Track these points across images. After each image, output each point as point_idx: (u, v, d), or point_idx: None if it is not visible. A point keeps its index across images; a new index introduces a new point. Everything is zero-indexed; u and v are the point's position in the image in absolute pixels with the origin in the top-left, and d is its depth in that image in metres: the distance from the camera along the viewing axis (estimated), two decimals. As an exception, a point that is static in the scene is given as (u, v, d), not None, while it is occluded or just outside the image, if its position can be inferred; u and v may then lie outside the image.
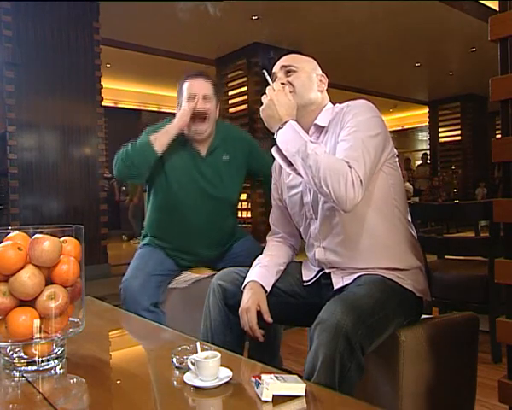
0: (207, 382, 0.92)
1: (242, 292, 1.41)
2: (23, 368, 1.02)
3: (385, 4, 5.43)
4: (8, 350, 1.04)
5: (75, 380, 1.03)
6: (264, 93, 1.38)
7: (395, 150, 1.39)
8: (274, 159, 1.39)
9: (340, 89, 7.90)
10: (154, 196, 1.93)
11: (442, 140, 11.45)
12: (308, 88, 1.43)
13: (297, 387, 0.89)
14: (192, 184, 1.86)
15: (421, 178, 10.42)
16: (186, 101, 1.84)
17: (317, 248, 1.42)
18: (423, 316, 1.40)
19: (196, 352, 0.99)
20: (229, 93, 7.39)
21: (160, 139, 1.77)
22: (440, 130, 11.43)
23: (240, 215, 6.70)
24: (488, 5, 5.78)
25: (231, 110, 7.40)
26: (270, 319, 1.37)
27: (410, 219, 1.43)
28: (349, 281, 1.32)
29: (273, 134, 1.36)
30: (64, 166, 4.84)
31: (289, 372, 0.98)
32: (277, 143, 1.33)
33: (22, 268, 1.00)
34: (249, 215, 6.86)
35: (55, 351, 1.05)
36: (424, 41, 7.02)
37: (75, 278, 1.06)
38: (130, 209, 8.78)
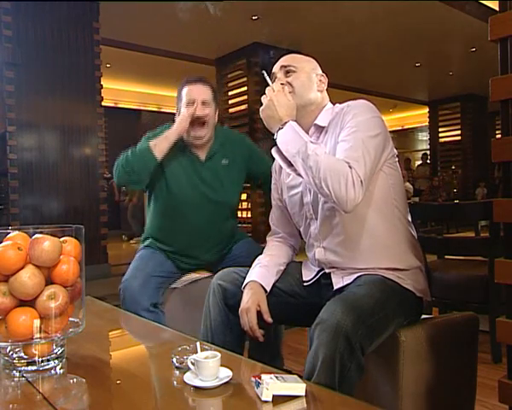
0: (207, 382, 0.92)
1: (242, 292, 1.41)
2: (23, 368, 1.02)
3: (385, 4, 5.43)
4: (8, 350, 1.04)
5: (75, 380, 1.03)
6: (264, 94, 1.38)
7: (395, 150, 1.39)
8: (273, 161, 1.39)
9: (340, 89, 7.90)
10: (155, 201, 1.94)
11: (442, 140, 11.44)
12: (307, 88, 1.43)
13: (297, 387, 0.89)
14: (192, 188, 1.87)
15: (421, 178, 10.42)
16: (185, 106, 1.84)
17: (317, 249, 1.42)
18: (423, 316, 1.40)
19: (196, 352, 0.99)
20: (229, 93, 7.39)
21: (160, 145, 1.78)
22: (440, 130, 11.43)
23: (240, 215, 6.70)
24: (488, 5, 5.78)
25: (231, 110, 7.40)
26: (270, 319, 1.37)
27: (410, 219, 1.43)
28: (349, 281, 1.32)
29: (273, 135, 1.36)
30: (64, 166, 4.84)
31: (289, 372, 0.98)
32: (277, 143, 1.33)
33: (22, 268, 1.00)
34: (249, 215, 6.86)
35: (55, 351, 1.05)
36: (424, 41, 7.02)
37: (75, 278, 1.06)
38: (129, 209, 8.78)
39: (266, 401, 0.86)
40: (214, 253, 1.97)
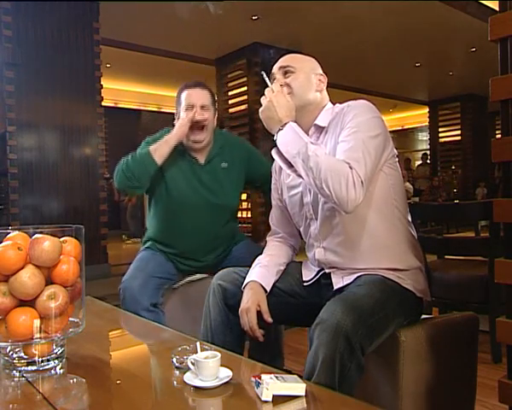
0: (207, 382, 0.92)
1: (242, 292, 1.41)
2: (23, 368, 1.02)
3: (385, 4, 5.43)
4: (8, 350, 1.04)
5: (75, 380, 1.03)
6: (263, 94, 1.38)
7: (395, 150, 1.39)
8: (273, 162, 1.38)
9: (340, 89, 7.90)
10: (155, 205, 1.95)
11: (442, 140, 11.44)
12: (306, 89, 1.42)
13: (297, 387, 0.89)
14: (192, 192, 1.88)
15: (421, 178, 10.42)
16: (184, 111, 1.86)
17: (317, 249, 1.42)
18: (423, 316, 1.40)
19: (196, 352, 0.99)
20: (229, 93, 7.39)
21: (160, 150, 1.79)
22: (440, 130, 11.43)
23: (240, 215, 6.71)
24: (488, 5, 5.78)
25: (231, 110, 7.40)
26: (270, 319, 1.37)
27: (410, 219, 1.43)
28: (349, 281, 1.32)
29: (273, 136, 1.35)
30: (64, 166, 4.84)
31: (289, 372, 0.98)
32: (277, 144, 1.33)
33: (22, 268, 1.00)
34: (249, 215, 6.87)
35: (55, 351, 1.05)
36: (424, 41, 7.02)
37: (75, 278, 1.06)
38: (128, 210, 8.80)
39: (266, 401, 0.86)
40: (214, 255, 1.97)
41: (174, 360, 1.03)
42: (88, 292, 1.16)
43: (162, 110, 10.15)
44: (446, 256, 2.84)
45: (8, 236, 1.04)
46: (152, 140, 1.87)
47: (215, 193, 1.90)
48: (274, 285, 1.45)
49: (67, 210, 4.81)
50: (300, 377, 0.94)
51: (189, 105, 1.85)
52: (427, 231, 3.35)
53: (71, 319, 1.08)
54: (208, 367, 0.93)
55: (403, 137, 14.87)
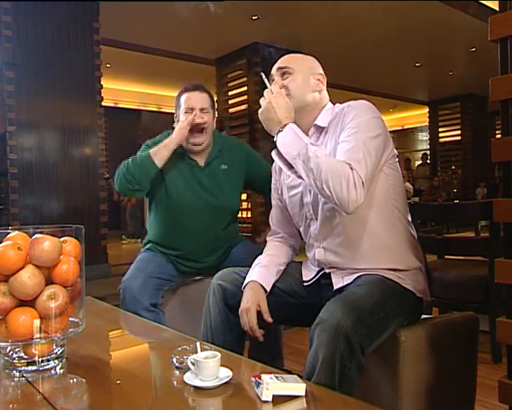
0: (207, 382, 0.92)
1: (242, 292, 1.41)
2: (23, 368, 1.02)
3: (385, 4, 5.43)
4: (8, 350, 1.04)
5: (75, 380, 1.03)
6: (263, 96, 1.38)
7: (395, 151, 1.39)
8: (272, 164, 1.38)
9: (340, 89, 7.90)
10: (155, 207, 1.96)
11: (442, 140, 11.44)
12: (304, 90, 1.41)
13: (297, 387, 0.89)
14: (192, 194, 1.89)
15: (421, 178, 10.42)
16: (184, 114, 1.87)
17: (317, 249, 1.42)
18: (423, 316, 1.40)
19: (196, 352, 0.99)
20: (229, 93, 7.39)
21: (160, 153, 1.81)
22: (440, 130, 11.43)
23: (240, 215, 6.71)
24: (488, 5, 5.78)
25: (231, 110, 7.40)
26: (270, 319, 1.37)
27: (410, 219, 1.43)
28: (349, 281, 1.32)
29: (272, 137, 1.35)
30: (64, 166, 4.84)
31: (289, 372, 0.98)
32: (277, 146, 1.33)
33: (22, 268, 1.00)
34: (249, 215, 6.87)
35: (55, 351, 1.05)
36: (424, 41, 7.02)
37: (75, 278, 1.06)
38: (127, 210, 8.81)
39: (266, 401, 0.86)
40: (215, 256, 1.98)
41: (174, 360, 1.03)
42: (88, 292, 1.16)
43: (162, 110, 10.16)
44: (446, 256, 2.84)
45: (8, 236, 1.04)
46: (152, 143, 1.89)
47: (215, 195, 1.91)
48: (274, 285, 1.45)
49: (67, 210, 4.81)
50: (300, 377, 0.94)
51: (188, 108, 1.87)
52: (427, 231, 3.35)
53: (71, 319, 1.08)
54: (208, 367, 0.93)
55: (403, 137, 14.87)
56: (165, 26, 5.86)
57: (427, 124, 11.90)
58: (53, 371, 1.03)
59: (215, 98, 7.02)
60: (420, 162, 11.44)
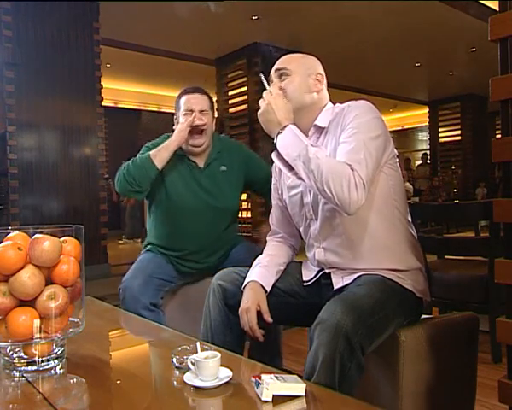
0: (207, 382, 0.93)
1: (242, 292, 1.41)
2: (23, 368, 1.02)
3: (385, 4, 5.43)
4: (8, 350, 1.04)
5: (75, 380, 1.03)
6: (262, 97, 1.38)
7: (395, 151, 1.39)
8: (272, 164, 1.38)
9: (340, 89, 7.90)
10: (155, 209, 1.97)
11: (442, 140, 11.45)
12: (302, 91, 1.41)
13: (297, 387, 0.89)
14: (191, 195, 1.90)
15: (421, 178, 10.41)
16: (183, 116, 1.89)
17: (317, 249, 1.42)
18: (423, 316, 1.40)
19: (196, 352, 0.99)
20: (229, 93, 7.39)
21: (160, 155, 1.82)
22: (440, 130, 11.43)
23: (240, 215, 6.71)
24: (488, 5, 5.78)
25: (231, 110, 7.41)
26: (270, 319, 1.37)
27: (410, 219, 1.43)
28: (349, 281, 1.32)
29: (272, 138, 1.35)
30: (64, 166, 4.84)
31: (289, 372, 0.98)
32: (277, 147, 1.32)
33: (22, 268, 1.00)
34: (249, 215, 6.87)
35: (55, 351, 1.05)
36: (424, 41, 7.02)
37: (75, 278, 1.06)
38: (127, 210, 8.80)
39: (266, 401, 0.86)
40: (216, 257, 1.98)
41: (174, 360, 1.03)
42: (88, 292, 1.16)
43: (162, 110, 10.16)
44: (446, 256, 2.84)
45: (8, 236, 1.04)
46: (152, 145, 1.90)
47: (215, 196, 1.92)
48: (274, 285, 1.45)
49: (67, 210, 4.81)
50: (300, 377, 0.94)
51: (188, 110, 1.88)
52: (427, 231, 3.35)
53: (71, 319, 1.08)
54: (208, 367, 0.93)
55: (403, 137, 14.87)
56: (165, 26, 5.86)
57: (427, 124, 11.90)
58: (53, 371, 1.03)
59: (215, 98, 7.03)
60: (420, 162, 11.43)
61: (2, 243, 1.00)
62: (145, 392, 1.00)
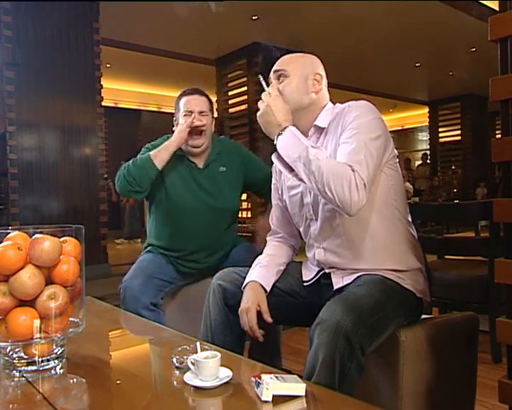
0: (207, 382, 0.93)
1: (242, 292, 1.41)
2: (23, 368, 1.02)
3: (385, 4, 5.43)
4: (8, 350, 1.04)
5: (75, 380, 1.03)
6: (261, 98, 1.37)
7: (396, 151, 1.39)
8: (272, 165, 1.38)
9: (340, 89, 7.89)
10: (155, 210, 1.98)
11: (442, 140, 11.45)
12: (300, 93, 1.40)
13: (297, 387, 0.89)
14: (191, 195, 1.91)
15: (421, 178, 10.41)
16: (183, 117, 1.90)
17: (317, 249, 1.42)
18: (423, 316, 1.40)
19: (196, 352, 0.99)
20: (229, 93, 7.39)
21: (160, 155, 1.83)
22: (440, 130, 11.43)
23: (240, 215, 6.71)
24: (488, 5, 5.78)
25: (231, 110, 7.40)
26: (270, 319, 1.37)
27: (410, 219, 1.43)
28: (349, 281, 1.32)
29: (272, 140, 1.35)
30: (64, 166, 4.84)
31: (289, 372, 0.98)
32: (277, 149, 1.32)
33: (22, 268, 1.00)
34: (249, 215, 6.86)
35: (55, 351, 1.05)
36: (424, 41, 7.02)
37: (75, 278, 1.06)
38: (126, 210, 8.80)
39: (266, 401, 0.86)
40: (216, 257, 1.99)
41: (174, 360, 1.03)
42: (88, 292, 1.16)
43: (162, 110, 10.16)
44: (446, 256, 2.84)
45: (8, 236, 1.04)
46: (152, 146, 1.91)
47: (214, 196, 1.93)
48: (274, 285, 1.45)
49: (67, 210, 4.81)
50: (300, 377, 0.94)
51: (187, 111, 1.90)
52: (427, 231, 3.35)
53: (71, 319, 1.08)
54: (208, 367, 0.94)
55: (403, 137, 14.87)
56: (165, 26, 5.87)
57: (427, 124, 11.90)
58: (53, 371, 1.03)
59: (215, 98, 7.03)
60: (420, 162, 11.43)
61: (2, 243, 1.00)
62: (145, 392, 1.00)
